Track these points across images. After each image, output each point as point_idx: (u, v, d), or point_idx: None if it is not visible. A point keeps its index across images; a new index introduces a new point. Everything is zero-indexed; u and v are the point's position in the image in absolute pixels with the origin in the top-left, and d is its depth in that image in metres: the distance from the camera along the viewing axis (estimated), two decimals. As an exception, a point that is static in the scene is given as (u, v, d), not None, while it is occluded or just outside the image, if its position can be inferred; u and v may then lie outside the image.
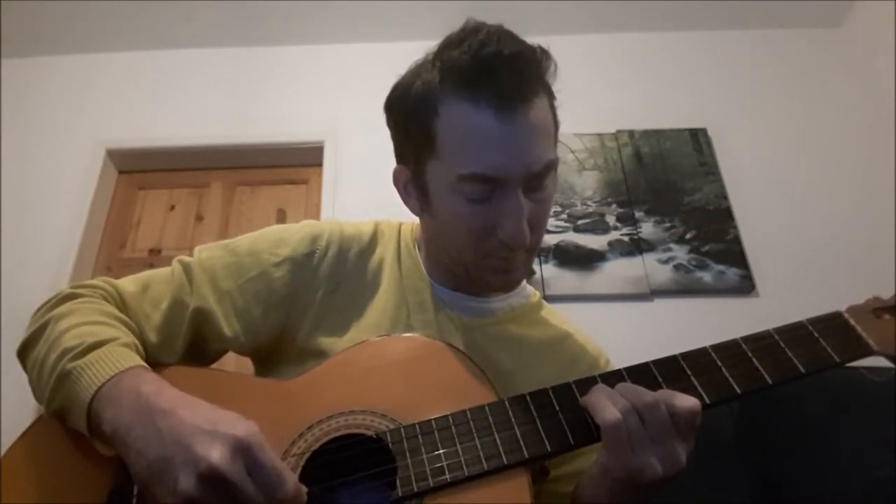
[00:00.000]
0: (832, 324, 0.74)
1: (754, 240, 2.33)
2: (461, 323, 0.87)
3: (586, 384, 0.71)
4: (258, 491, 0.58)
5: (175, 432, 0.60)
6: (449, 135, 0.76)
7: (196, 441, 0.59)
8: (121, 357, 0.69)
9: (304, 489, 0.62)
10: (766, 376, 0.70)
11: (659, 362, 0.72)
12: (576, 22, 2.74)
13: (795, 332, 0.73)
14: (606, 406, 0.66)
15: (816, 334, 0.73)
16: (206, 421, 0.61)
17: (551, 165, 0.78)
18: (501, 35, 0.75)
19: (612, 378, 0.71)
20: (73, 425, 0.69)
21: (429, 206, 0.83)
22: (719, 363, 0.71)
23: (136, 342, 0.76)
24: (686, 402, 0.66)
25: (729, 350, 0.72)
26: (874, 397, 1.50)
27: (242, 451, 0.59)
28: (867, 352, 0.72)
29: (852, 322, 0.74)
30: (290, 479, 0.60)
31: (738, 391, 0.69)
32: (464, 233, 0.79)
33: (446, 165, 0.77)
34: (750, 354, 0.72)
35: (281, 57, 2.78)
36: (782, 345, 0.72)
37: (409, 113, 0.80)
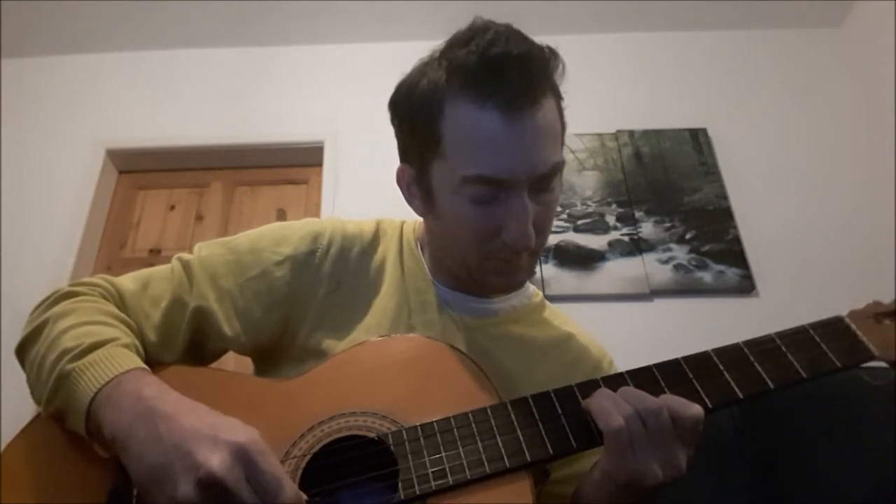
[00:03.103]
0: (833, 328, 0.74)
1: (754, 240, 2.33)
2: (463, 323, 0.86)
3: (589, 387, 0.71)
4: (256, 498, 0.58)
5: (175, 437, 0.60)
6: (455, 135, 0.75)
7: (196, 447, 0.58)
8: (121, 359, 0.69)
9: (304, 497, 0.62)
10: (767, 380, 0.70)
11: (661, 366, 0.72)
12: (576, 22, 2.74)
13: (797, 337, 0.73)
14: (610, 411, 0.66)
15: (818, 339, 0.73)
16: (207, 426, 0.60)
17: (558, 168, 0.77)
18: (510, 35, 0.74)
19: (615, 381, 0.71)
20: (72, 427, 0.69)
21: (433, 206, 0.82)
22: (721, 367, 0.71)
23: (136, 342, 0.75)
24: (689, 409, 0.66)
25: (731, 354, 0.72)
26: (874, 400, 1.50)
27: (242, 457, 0.58)
28: (868, 357, 0.72)
29: (853, 327, 0.74)
30: (290, 486, 0.59)
31: (740, 395, 0.69)
32: (468, 234, 0.79)
33: (451, 166, 0.76)
34: (752, 358, 0.72)
35: (281, 57, 2.78)
36: (784, 349, 0.72)
37: (415, 112, 0.79)
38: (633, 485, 0.65)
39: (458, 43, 0.76)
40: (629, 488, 0.65)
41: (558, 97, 0.80)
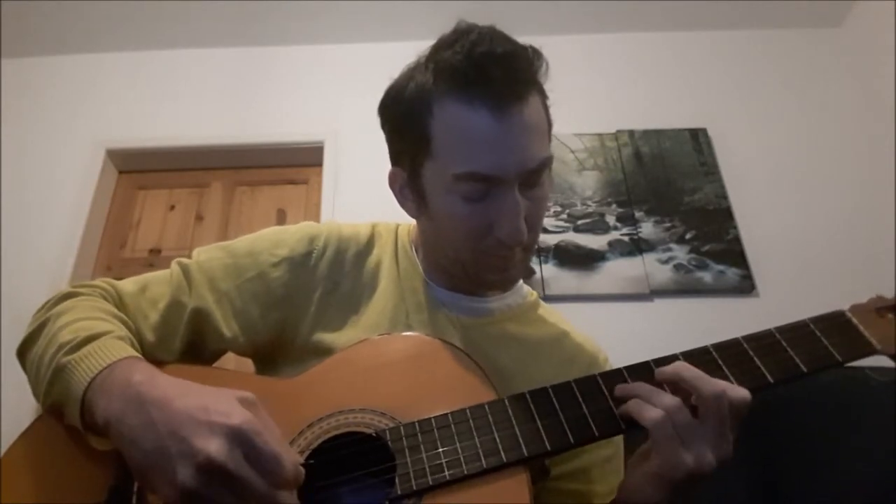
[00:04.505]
0: (834, 323, 0.73)
1: (754, 240, 2.33)
2: (459, 323, 0.87)
3: (586, 383, 0.71)
4: (258, 477, 0.58)
5: (169, 422, 0.60)
6: (444, 135, 0.77)
7: (191, 432, 0.58)
8: (114, 349, 0.69)
9: (303, 470, 0.62)
10: (767, 375, 0.70)
11: (660, 361, 0.72)
12: (576, 22, 2.74)
13: (797, 331, 0.73)
14: (641, 405, 0.66)
15: (819, 333, 0.72)
16: (200, 409, 0.60)
17: (546, 163, 0.78)
18: (493, 35, 0.75)
19: (613, 377, 0.71)
20: (68, 420, 0.69)
21: (426, 207, 0.83)
22: (720, 362, 0.71)
23: (132, 337, 0.76)
24: (740, 392, 0.66)
25: (730, 349, 0.72)
26: (876, 397, 1.50)
27: (239, 439, 0.58)
28: (870, 351, 0.71)
29: (855, 321, 0.73)
30: (289, 461, 0.60)
31: None
32: (461, 232, 0.80)
33: (442, 166, 0.77)
34: (751, 353, 0.71)
35: (281, 57, 2.78)
36: (784, 344, 0.72)
37: (404, 115, 0.80)
38: (693, 475, 0.64)
39: (443, 45, 0.78)
40: (686, 481, 0.64)
41: (543, 95, 0.81)
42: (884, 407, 1.50)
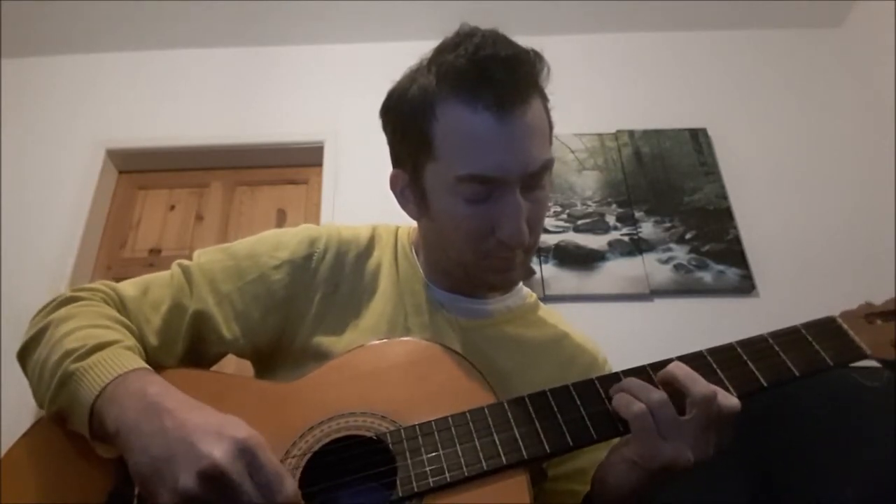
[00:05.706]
0: (825, 328, 0.75)
1: (754, 240, 2.33)
2: (459, 325, 0.87)
3: (584, 387, 0.72)
4: (258, 492, 0.59)
5: (180, 431, 0.61)
6: (447, 137, 0.77)
7: (199, 440, 0.59)
8: (124, 359, 0.70)
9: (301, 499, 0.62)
10: (760, 379, 0.71)
11: (655, 366, 0.73)
12: (576, 22, 2.74)
13: (789, 336, 0.74)
14: (627, 399, 0.67)
15: (810, 338, 0.74)
16: (212, 423, 0.62)
17: (548, 165, 0.79)
18: (496, 38, 0.76)
19: (611, 380, 0.72)
20: (74, 427, 0.69)
21: (427, 209, 0.83)
22: (715, 366, 0.72)
23: (138, 345, 0.76)
24: (731, 400, 0.67)
25: (724, 353, 0.73)
26: (868, 400, 1.51)
27: (245, 451, 0.59)
28: (860, 355, 0.73)
29: (845, 327, 0.75)
30: (290, 482, 0.61)
31: (734, 394, 0.70)
32: (463, 234, 0.80)
33: (445, 168, 0.78)
34: (745, 358, 0.72)
35: (281, 57, 2.78)
36: (776, 348, 0.73)
37: (406, 117, 0.80)
38: (669, 468, 0.65)
39: (446, 48, 0.78)
40: (662, 473, 0.66)
41: (545, 98, 0.82)
42: (876, 410, 1.51)
